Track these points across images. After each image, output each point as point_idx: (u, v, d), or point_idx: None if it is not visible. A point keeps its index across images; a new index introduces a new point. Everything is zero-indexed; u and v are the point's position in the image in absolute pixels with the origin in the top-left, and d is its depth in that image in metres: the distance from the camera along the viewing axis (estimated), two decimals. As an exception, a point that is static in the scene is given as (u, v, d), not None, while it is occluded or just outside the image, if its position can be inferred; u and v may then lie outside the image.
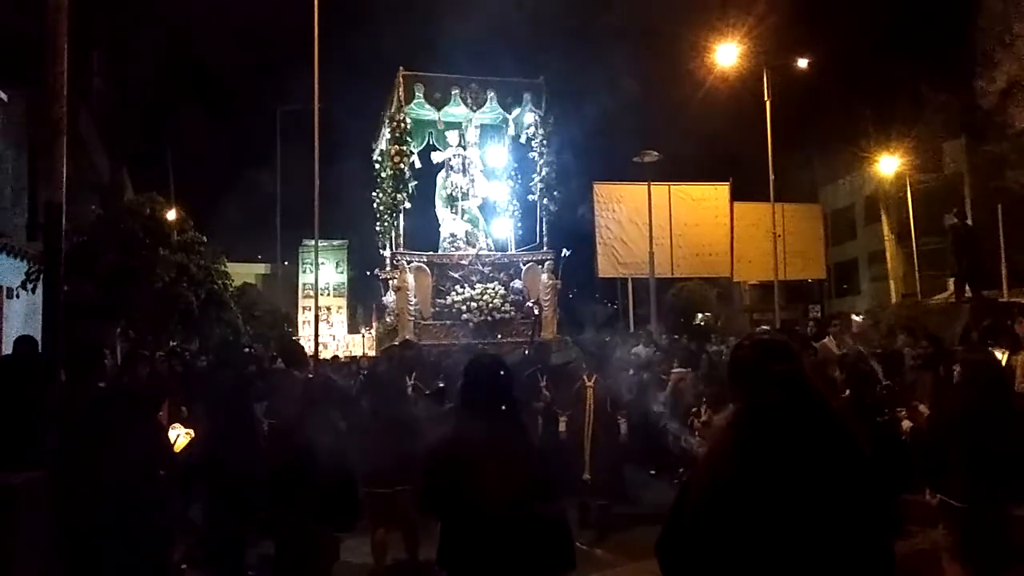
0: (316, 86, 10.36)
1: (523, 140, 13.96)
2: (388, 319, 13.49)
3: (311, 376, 7.62)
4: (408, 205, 12.84)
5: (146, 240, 9.05)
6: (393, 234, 12.92)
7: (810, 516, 2.26)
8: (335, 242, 30.49)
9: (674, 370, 11.34)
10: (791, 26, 22.45)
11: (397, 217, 12.80)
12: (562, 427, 8.14)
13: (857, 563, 2.28)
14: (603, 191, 21.38)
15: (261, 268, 34.23)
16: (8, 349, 10.38)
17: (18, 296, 9.79)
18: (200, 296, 9.68)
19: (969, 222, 16.45)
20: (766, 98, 18.13)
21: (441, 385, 7.15)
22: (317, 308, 13.43)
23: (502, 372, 3.72)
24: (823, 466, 2.30)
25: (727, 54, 18.60)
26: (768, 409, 2.38)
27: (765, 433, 2.35)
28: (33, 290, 8.73)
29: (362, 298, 30.89)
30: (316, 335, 12.09)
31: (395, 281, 12.47)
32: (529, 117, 13.49)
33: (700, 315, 24.12)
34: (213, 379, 6.75)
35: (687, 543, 2.41)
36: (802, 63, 19.04)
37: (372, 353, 24.77)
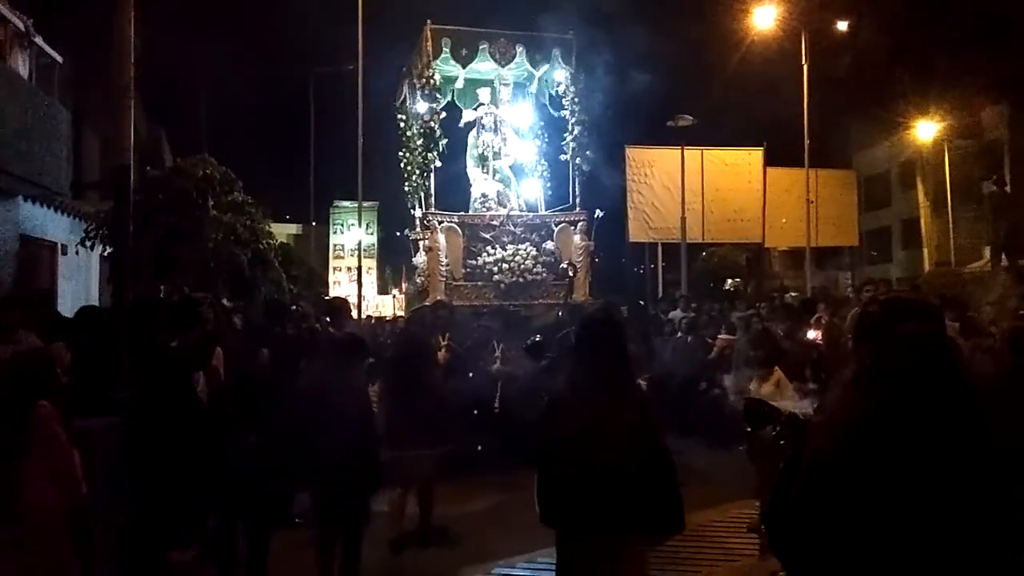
0: (360, 45, 10.34)
1: (550, 98, 13.66)
2: (418, 280, 13.36)
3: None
4: (439, 164, 12.65)
5: (199, 200, 9.29)
6: (423, 194, 12.74)
7: (939, 491, 2.05)
8: (366, 203, 30.67)
9: (721, 336, 11.34)
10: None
11: (428, 177, 12.61)
12: None
13: (984, 549, 2.08)
14: (635, 155, 21.28)
15: (293, 228, 34.54)
16: (64, 303, 10.78)
17: (77, 253, 10.12)
18: (247, 256, 9.94)
19: (1008, 189, 16.27)
20: (803, 62, 17.87)
21: (538, 338, 6.91)
22: (360, 268, 13.46)
23: (618, 327, 3.63)
24: (952, 437, 2.10)
25: (765, 16, 18.32)
26: (891, 371, 2.19)
27: (889, 397, 2.15)
28: (92, 248, 9.04)
29: (392, 259, 31.13)
30: (360, 295, 12.16)
31: (426, 242, 12.33)
32: (559, 74, 13.17)
33: (729, 281, 24.09)
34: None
35: (800, 516, 2.23)
36: (841, 25, 18.68)
37: (402, 314, 25.11)
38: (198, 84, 24.46)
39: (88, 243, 9.21)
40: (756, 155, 22.04)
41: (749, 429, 5.75)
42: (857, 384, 2.27)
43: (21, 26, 10.14)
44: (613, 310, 4.12)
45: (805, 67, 17.98)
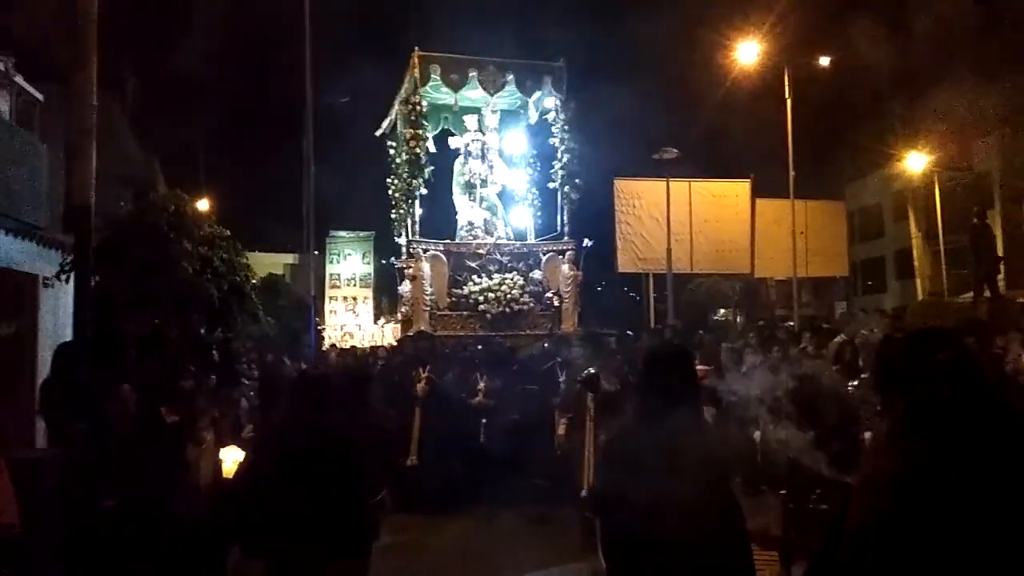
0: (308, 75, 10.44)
1: (541, 125, 13.54)
2: (403, 309, 13.14)
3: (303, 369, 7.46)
4: (424, 191, 12.48)
5: (170, 235, 9.49)
6: (409, 222, 12.53)
7: (1004, 539, 1.81)
8: (361, 233, 31.05)
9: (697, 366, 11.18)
10: (819, 21, 22.39)
11: (413, 204, 12.44)
12: (561, 430, 7.41)
13: None
14: (623, 187, 21.52)
15: (289, 258, 34.81)
16: (46, 335, 10.92)
17: (52, 286, 10.33)
18: (223, 288, 10.12)
19: (998, 220, 16.40)
20: (786, 96, 18.13)
21: (592, 371, 6.47)
22: (312, 309, 13.14)
23: (689, 363, 3.25)
24: (1009, 477, 1.85)
25: (748, 51, 18.63)
26: (928, 408, 1.96)
27: (927, 441, 1.91)
28: (67, 280, 9.22)
29: (388, 289, 31.34)
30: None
31: (410, 270, 12.09)
32: (549, 102, 13.06)
33: (721, 311, 24.18)
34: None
35: None
36: (823, 61, 18.98)
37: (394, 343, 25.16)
38: (193, 114, 24.87)
39: (63, 276, 9.41)
40: (743, 187, 22.25)
41: (785, 492, 5.17)
42: (894, 433, 2.05)
43: (1, 67, 10.47)
44: (681, 346, 3.89)
45: (788, 101, 18.25)
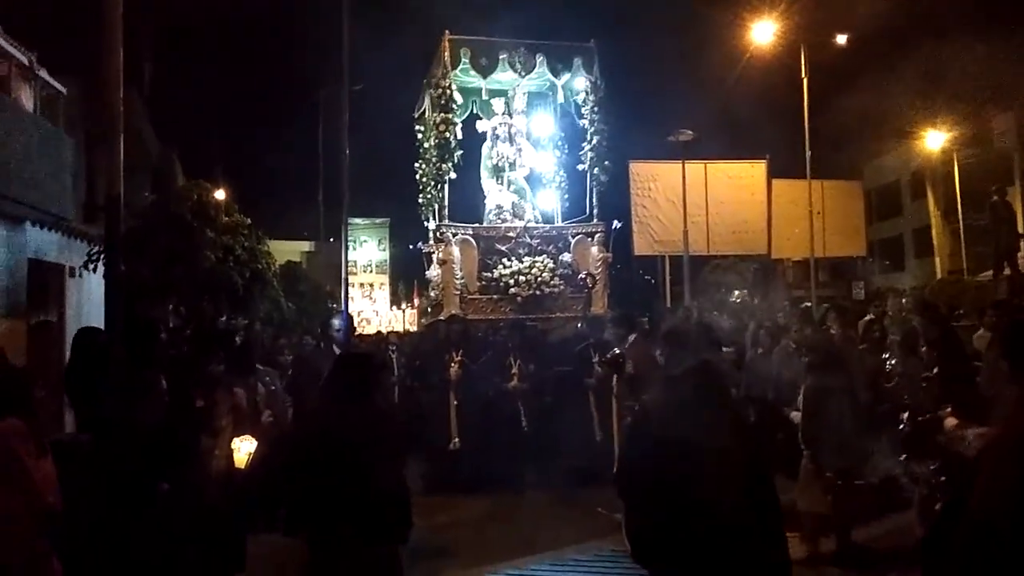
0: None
1: (572, 107, 13.33)
2: (432, 293, 13.14)
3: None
4: (453, 175, 12.37)
5: (194, 224, 9.61)
6: (437, 206, 12.43)
7: None
8: (377, 220, 31.30)
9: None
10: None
11: (442, 188, 12.32)
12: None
13: None
14: (639, 170, 21.43)
15: (306, 246, 35.06)
16: (73, 323, 11.13)
17: (81, 275, 10.50)
18: (245, 275, 10.25)
19: (1018, 198, 16.27)
20: (803, 75, 18.00)
21: (617, 351, 6.45)
22: (347, 287, 13.12)
23: (714, 340, 3.29)
24: None
25: (765, 31, 18.47)
26: None
27: None
28: (94, 270, 9.39)
29: (403, 274, 31.50)
30: (345, 307, 11.96)
31: (440, 254, 12.04)
32: (580, 83, 12.92)
33: (736, 292, 24.10)
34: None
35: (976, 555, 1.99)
36: (840, 39, 18.80)
37: (412, 328, 25.34)
38: (211, 105, 24.99)
39: (91, 265, 9.56)
40: (760, 167, 22.11)
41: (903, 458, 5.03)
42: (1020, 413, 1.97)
43: (25, 60, 10.58)
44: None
45: (805, 80, 18.11)
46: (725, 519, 2.65)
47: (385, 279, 31.61)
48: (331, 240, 32.45)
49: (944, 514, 2.19)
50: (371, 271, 31.20)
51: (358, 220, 31.38)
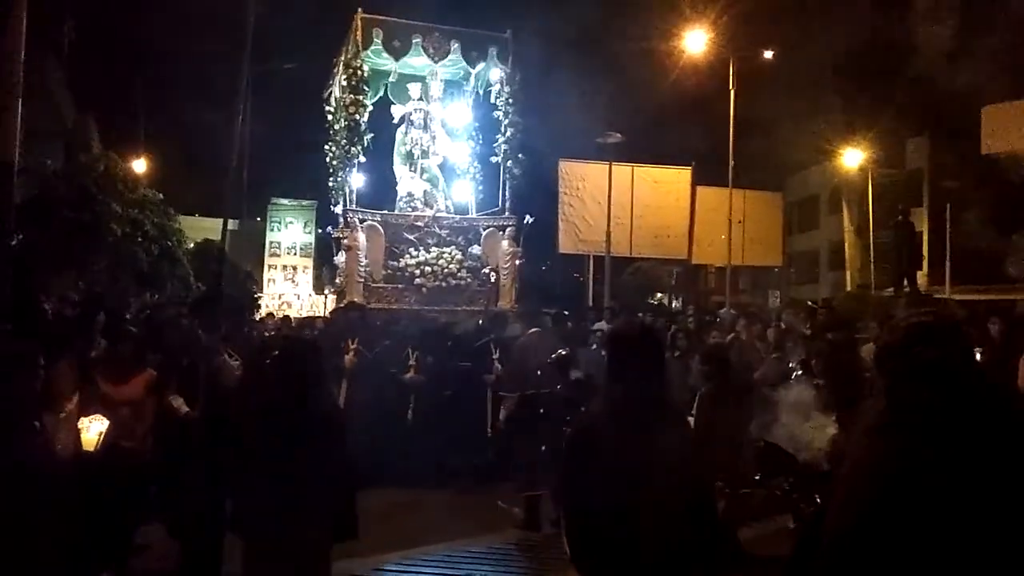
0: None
1: (485, 97, 13.28)
2: (338, 280, 12.87)
3: None
4: (363, 159, 12.17)
5: (98, 196, 9.24)
6: (346, 190, 12.19)
7: (976, 546, 1.78)
8: (304, 202, 30.65)
9: None
10: (766, 14, 22.74)
11: (350, 172, 12.11)
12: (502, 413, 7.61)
13: None
14: (568, 169, 21.69)
15: (230, 224, 34.15)
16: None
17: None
18: (154, 252, 9.92)
19: (925, 219, 17.11)
20: (731, 86, 18.47)
21: (564, 352, 6.40)
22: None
23: (661, 340, 3.06)
24: (988, 479, 1.80)
25: (696, 41, 18.87)
26: (910, 407, 1.93)
27: (910, 438, 1.88)
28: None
29: (328, 259, 31.02)
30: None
31: (346, 240, 11.84)
32: (495, 73, 12.83)
33: (659, 295, 24.63)
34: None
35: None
36: (767, 54, 19.37)
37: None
38: (132, 72, 24.05)
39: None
40: (685, 174, 22.61)
41: (758, 478, 5.06)
42: (877, 426, 2.00)
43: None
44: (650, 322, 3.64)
45: (732, 92, 18.58)
46: (673, 532, 2.64)
47: (309, 263, 30.97)
48: (257, 219, 31.71)
49: (805, 529, 2.24)
50: (295, 253, 30.50)
51: (284, 200, 30.75)
